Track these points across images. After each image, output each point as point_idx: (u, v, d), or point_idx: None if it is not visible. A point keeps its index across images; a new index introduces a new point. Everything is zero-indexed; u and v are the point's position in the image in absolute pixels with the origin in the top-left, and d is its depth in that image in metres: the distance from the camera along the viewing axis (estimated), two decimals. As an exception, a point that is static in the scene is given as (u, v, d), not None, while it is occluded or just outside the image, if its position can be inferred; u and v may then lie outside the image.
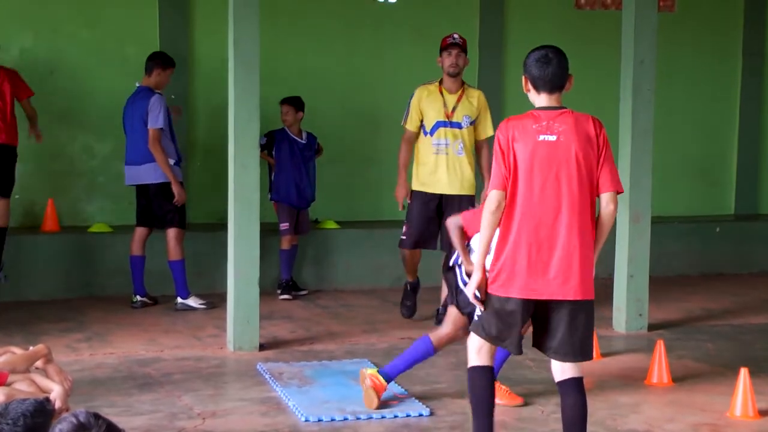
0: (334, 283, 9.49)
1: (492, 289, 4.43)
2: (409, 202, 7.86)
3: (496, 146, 4.41)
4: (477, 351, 4.55)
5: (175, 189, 8.21)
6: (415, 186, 7.76)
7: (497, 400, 5.70)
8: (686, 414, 5.69)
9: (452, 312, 5.57)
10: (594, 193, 4.41)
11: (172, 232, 8.35)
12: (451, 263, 5.57)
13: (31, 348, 4.97)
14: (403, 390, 5.99)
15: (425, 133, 7.70)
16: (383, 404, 5.67)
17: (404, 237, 7.77)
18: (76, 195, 9.48)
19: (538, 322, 4.46)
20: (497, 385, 5.80)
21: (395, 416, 5.56)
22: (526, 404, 5.78)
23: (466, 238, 5.22)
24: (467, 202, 7.49)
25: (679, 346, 7.26)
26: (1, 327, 7.55)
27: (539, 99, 4.47)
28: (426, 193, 7.69)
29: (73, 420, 2.83)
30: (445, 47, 7.66)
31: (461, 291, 5.28)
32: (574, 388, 4.44)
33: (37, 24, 9.30)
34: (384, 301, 8.91)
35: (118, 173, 8.84)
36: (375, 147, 10.15)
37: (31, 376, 4.67)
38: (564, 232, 4.32)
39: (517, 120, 4.46)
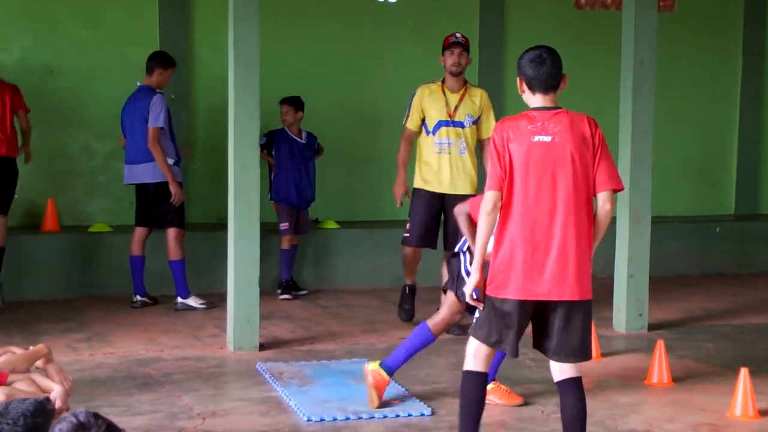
0: (334, 283, 9.49)
1: (489, 291, 4.43)
2: (407, 199, 7.84)
3: (491, 147, 4.42)
4: (474, 354, 4.55)
5: (173, 189, 8.21)
6: (418, 184, 7.73)
7: (497, 400, 5.74)
8: (686, 414, 5.69)
9: (450, 296, 5.61)
10: (591, 193, 4.41)
11: (171, 232, 8.35)
12: (456, 249, 5.58)
13: (31, 348, 4.97)
14: (404, 390, 5.99)
15: (427, 133, 7.68)
16: (385, 403, 5.67)
17: (407, 234, 7.74)
18: (76, 195, 9.48)
19: (537, 323, 4.46)
20: (497, 385, 5.81)
21: (397, 415, 5.56)
22: (526, 404, 5.79)
23: (473, 224, 5.22)
24: None
25: (679, 346, 7.26)
26: (2, 327, 7.55)
27: (534, 99, 4.48)
28: (428, 192, 7.68)
29: (73, 420, 2.83)
30: (447, 46, 7.65)
31: (463, 279, 5.28)
32: (574, 388, 4.44)
33: (37, 24, 9.30)
34: (384, 301, 8.91)
35: (118, 173, 8.84)
36: (375, 147, 10.15)
37: (31, 376, 4.67)
38: (560, 232, 4.32)
39: (512, 121, 4.46)
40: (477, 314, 4.57)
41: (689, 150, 11.25)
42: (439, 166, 7.62)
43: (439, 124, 7.62)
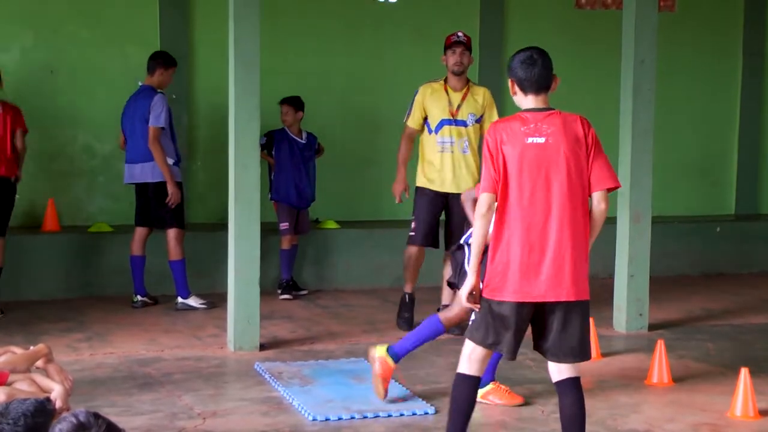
0: (335, 283, 9.49)
1: (486, 293, 4.42)
2: (407, 196, 7.81)
3: (484, 149, 4.41)
4: (468, 356, 4.54)
5: (170, 188, 8.20)
6: (421, 183, 7.72)
7: (497, 400, 5.75)
8: (686, 414, 5.69)
9: (459, 294, 5.60)
10: (586, 193, 4.42)
11: (172, 232, 8.35)
12: (462, 241, 5.58)
13: (31, 348, 4.97)
14: (406, 390, 6.00)
15: (430, 131, 7.67)
16: (390, 401, 5.70)
17: (413, 233, 7.70)
18: (77, 195, 9.49)
19: (536, 325, 4.46)
20: (497, 385, 5.81)
21: (401, 414, 5.56)
22: (526, 404, 5.78)
23: None
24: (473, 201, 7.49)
25: (680, 346, 7.26)
26: (2, 327, 7.56)
27: (526, 101, 4.48)
28: (432, 191, 7.67)
29: (73, 420, 2.83)
30: (449, 45, 7.65)
31: (465, 273, 5.29)
32: (572, 388, 4.44)
33: (37, 24, 9.30)
34: (384, 301, 8.91)
35: (119, 173, 8.85)
36: (375, 147, 10.16)
37: (31, 376, 4.66)
38: (555, 233, 4.33)
39: (504, 123, 4.47)
40: (473, 316, 4.57)
41: (689, 150, 11.25)
42: (441, 165, 7.62)
43: (442, 123, 7.62)
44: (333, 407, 5.65)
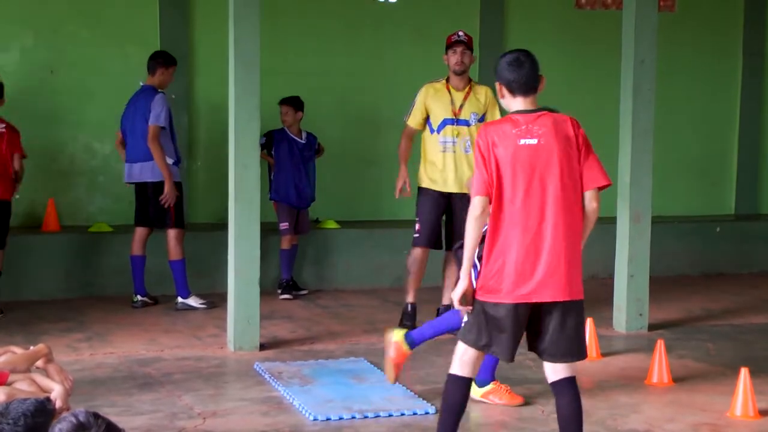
0: (335, 283, 9.49)
1: (480, 296, 4.42)
2: (408, 190, 7.72)
3: (476, 152, 4.41)
4: (461, 358, 4.54)
5: (167, 187, 8.19)
6: (424, 183, 7.68)
7: (497, 400, 5.75)
8: (686, 414, 5.69)
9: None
10: (579, 193, 4.43)
11: (172, 232, 8.35)
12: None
13: (31, 348, 4.96)
14: (407, 391, 6.00)
15: (432, 131, 7.65)
16: (388, 400, 5.70)
17: (417, 235, 7.64)
18: (77, 195, 9.49)
19: (531, 326, 4.46)
20: (497, 384, 5.81)
21: (402, 414, 5.57)
22: (526, 404, 5.78)
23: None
24: None
25: (680, 346, 7.26)
26: (2, 327, 7.56)
27: (515, 103, 4.48)
28: (435, 191, 7.64)
29: (73, 419, 2.83)
30: (450, 45, 7.64)
31: None
32: (568, 388, 4.45)
33: (37, 24, 9.30)
34: (384, 301, 8.91)
35: (119, 173, 8.85)
36: (375, 147, 10.16)
37: (31, 376, 4.66)
38: (550, 234, 4.33)
39: (496, 125, 4.47)
40: (465, 318, 4.56)
41: (689, 150, 11.25)
42: (444, 165, 7.59)
43: (444, 123, 7.60)
44: (333, 407, 5.65)
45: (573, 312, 4.40)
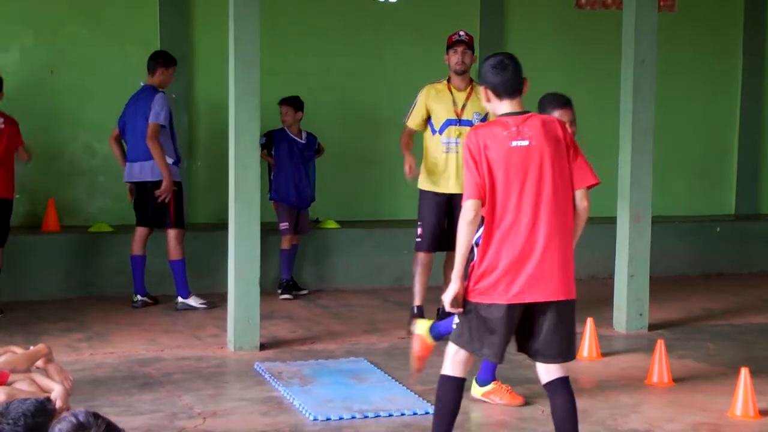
0: (335, 283, 9.49)
1: (473, 297, 4.41)
2: (417, 170, 7.62)
3: (466, 156, 4.38)
4: (452, 358, 4.54)
5: (164, 184, 8.18)
6: (425, 186, 7.64)
7: (498, 400, 5.75)
8: (687, 414, 5.69)
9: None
10: (569, 192, 4.45)
11: (172, 232, 8.35)
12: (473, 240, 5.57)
13: (31, 348, 4.96)
14: (407, 391, 6.00)
15: (434, 132, 7.61)
16: (388, 400, 5.71)
17: (419, 239, 7.59)
18: (77, 195, 9.49)
19: (522, 326, 4.46)
20: (498, 384, 5.81)
21: (402, 414, 5.57)
22: (527, 404, 5.78)
23: None
24: None
25: (680, 346, 7.26)
26: (2, 327, 7.56)
27: (501, 106, 4.49)
28: (436, 193, 7.60)
29: (73, 419, 2.83)
30: (451, 45, 7.62)
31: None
32: (562, 388, 4.46)
33: (37, 24, 9.30)
34: (384, 300, 8.91)
35: (119, 173, 8.84)
36: (375, 147, 10.16)
37: (31, 376, 4.66)
38: (544, 234, 4.34)
39: (485, 128, 4.46)
40: (456, 320, 4.55)
41: (690, 150, 11.26)
42: (446, 166, 7.55)
43: (447, 123, 7.57)
44: (333, 407, 5.65)
45: (567, 311, 4.42)
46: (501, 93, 4.47)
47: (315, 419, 5.46)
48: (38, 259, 8.76)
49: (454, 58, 7.59)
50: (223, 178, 7.65)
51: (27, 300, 8.51)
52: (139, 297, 8.46)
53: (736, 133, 11.43)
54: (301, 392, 5.92)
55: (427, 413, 5.57)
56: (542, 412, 5.66)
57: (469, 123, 7.56)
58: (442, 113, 7.56)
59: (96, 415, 2.86)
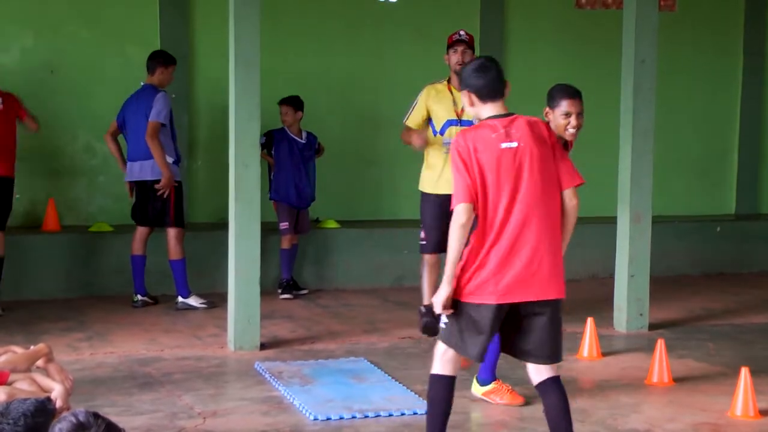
0: (335, 283, 9.49)
1: (464, 297, 4.41)
2: (424, 134, 7.59)
3: (456, 160, 4.37)
4: (441, 357, 4.55)
5: (164, 180, 8.17)
6: (425, 188, 7.62)
7: (499, 400, 5.75)
8: (687, 413, 5.69)
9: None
10: (557, 192, 4.46)
11: (172, 232, 8.36)
12: None
13: (32, 347, 4.96)
14: (407, 390, 6.00)
15: (435, 133, 7.59)
16: (388, 399, 5.72)
17: (424, 242, 7.55)
18: (77, 194, 9.49)
19: (508, 327, 4.46)
20: (499, 384, 5.81)
21: (402, 414, 5.57)
22: (527, 404, 5.78)
23: None
24: None
25: (680, 346, 7.26)
26: (2, 326, 7.56)
27: (486, 109, 4.49)
28: (437, 195, 7.57)
29: (73, 419, 2.83)
30: (451, 44, 7.60)
31: None
32: (554, 387, 4.48)
33: (37, 24, 9.30)
34: (384, 300, 8.91)
35: (119, 172, 8.85)
36: (375, 147, 10.16)
37: (32, 376, 4.66)
38: (533, 234, 4.35)
39: (473, 131, 4.46)
40: (444, 320, 4.55)
41: (690, 149, 11.26)
42: (444, 166, 7.53)
43: (448, 124, 7.55)
44: (333, 407, 5.65)
45: (555, 311, 4.45)
46: (484, 96, 4.48)
47: (315, 419, 5.46)
48: (38, 258, 8.76)
49: (455, 57, 7.57)
50: (223, 178, 7.65)
51: (27, 300, 8.51)
52: (139, 297, 8.46)
53: (737, 133, 11.43)
54: (301, 392, 5.92)
55: (426, 413, 5.57)
56: (543, 412, 5.66)
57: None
58: (442, 114, 7.54)
59: (96, 415, 2.86)
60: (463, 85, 4.54)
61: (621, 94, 7.86)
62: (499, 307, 4.36)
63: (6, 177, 8.12)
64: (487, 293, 4.35)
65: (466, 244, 4.42)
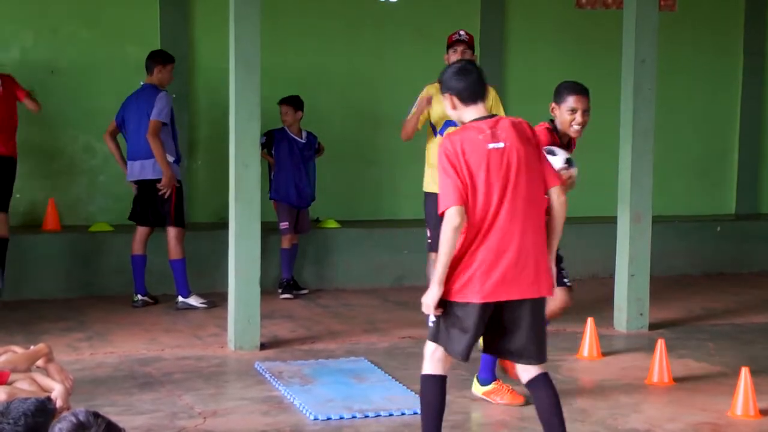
0: (335, 283, 9.49)
1: (451, 296, 4.41)
2: (428, 96, 7.57)
3: (444, 162, 4.35)
4: (431, 357, 4.56)
5: (164, 179, 8.17)
6: (429, 188, 7.61)
7: (499, 400, 5.75)
8: (687, 413, 5.69)
9: (558, 291, 5.63)
10: (543, 191, 4.47)
11: (172, 231, 8.35)
12: None
13: (32, 347, 4.96)
14: (408, 390, 6.00)
15: (435, 133, 7.60)
16: (388, 399, 5.71)
17: (430, 240, 7.60)
18: (77, 194, 9.49)
19: (493, 326, 4.46)
20: (500, 384, 5.81)
21: (402, 413, 5.57)
22: (527, 404, 5.77)
23: None
24: None
25: (680, 346, 7.26)
26: (3, 326, 7.55)
27: (468, 111, 4.50)
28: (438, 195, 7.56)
29: (73, 419, 2.83)
30: (451, 44, 7.60)
31: None
32: (544, 383, 4.49)
33: (37, 24, 9.30)
34: (384, 300, 8.91)
35: (119, 172, 8.85)
36: (375, 146, 10.16)
37: (32, 375, 4.66)
38: (519, 233, 4.35)
39: (460, 134, 4.44)
40: (433, 319, 4.55)
41: (690, 149, 11.25)
42: None
43: (447, 124, 7.54)
44: (334, 406, 5.65)
45: (539, 310, 4.46)
46: (466, 98, 4.48)
47: (315, 419, 5.46)
48: (38, 258, 8.76)
49: (455, 57, 7.56)
50: (223, 178, 7.65)
51: (27, 299, 8.51)
52: (139, 296, 8.46)
53: (737, 133, 11.43)
54: (301, 392, 5.92)
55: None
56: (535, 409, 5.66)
57: None
58: (442, 114, 7.54)
59: (96, 415, 2.86)
60: (444, 89, 4.54)
61: (621, 94, 7.87)
62: (484, 306, 4.36)
63: (8, 156, 8.14)
64: (473, 292, 4.35)
65: None
